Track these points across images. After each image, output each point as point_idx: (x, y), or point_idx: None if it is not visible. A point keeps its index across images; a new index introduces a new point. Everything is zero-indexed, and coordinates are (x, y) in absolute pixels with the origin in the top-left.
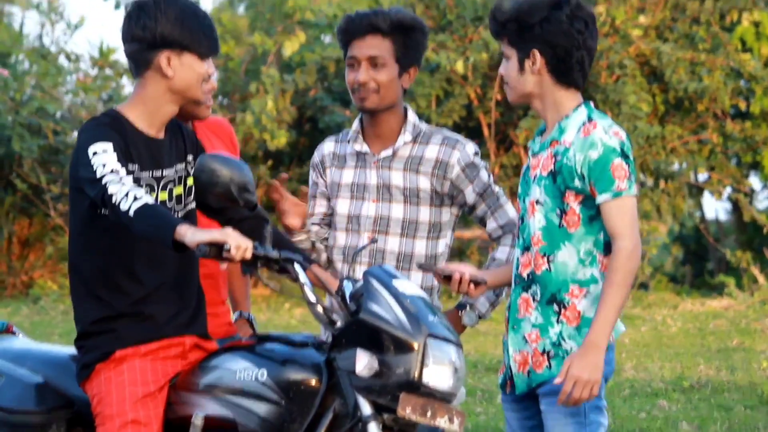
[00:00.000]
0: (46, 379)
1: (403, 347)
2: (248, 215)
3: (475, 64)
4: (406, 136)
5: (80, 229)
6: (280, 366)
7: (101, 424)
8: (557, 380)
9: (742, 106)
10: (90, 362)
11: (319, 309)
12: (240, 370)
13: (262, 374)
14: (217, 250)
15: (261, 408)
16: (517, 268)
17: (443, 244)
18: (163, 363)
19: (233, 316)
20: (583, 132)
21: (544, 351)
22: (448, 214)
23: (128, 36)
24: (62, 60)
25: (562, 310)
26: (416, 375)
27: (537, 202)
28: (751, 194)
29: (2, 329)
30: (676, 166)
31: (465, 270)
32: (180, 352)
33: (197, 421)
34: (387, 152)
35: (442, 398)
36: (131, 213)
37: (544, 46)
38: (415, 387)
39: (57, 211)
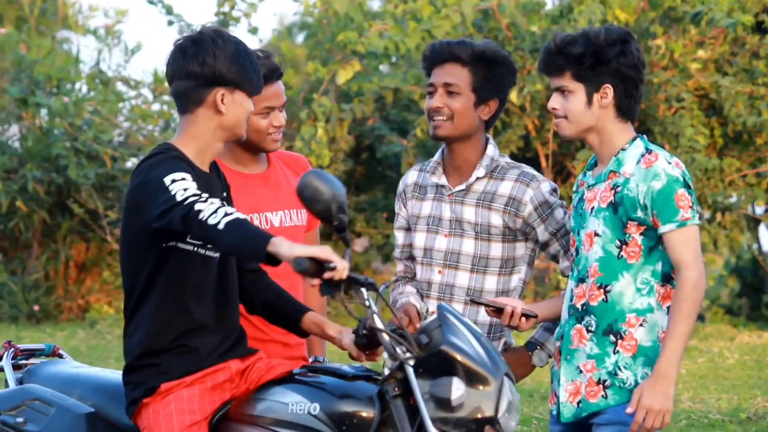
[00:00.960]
0: (96, 408)
1: (484, 382)
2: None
3: (532, 95)
4: (479, 171)
5: (136, 264)
6: (333, 399)
7: None
8: (629, 410)
9: None
10: (137, 397)
11: (386, 338)
12: (293, 403)
13: (315, 408)
14: (317, 266)
15: None
16: (571, 300)
17: (517, 279)
18: (210, 391)
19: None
20: (645, 163)
21: (599, 381)
22: (522, 249)
23: (182, 72)
24: (119, 86)
25: (619, 341)
26: (497, 412)
27: (595, 234)
28: None
29: (49, 352)
30: (733, 199)
31: (516, 304)
32: (228, 376)
33: None
34: (461, 186)
35: None
36: (221, 226)
37: (617, 81)
38: (495, 423)
39: (114, 236)
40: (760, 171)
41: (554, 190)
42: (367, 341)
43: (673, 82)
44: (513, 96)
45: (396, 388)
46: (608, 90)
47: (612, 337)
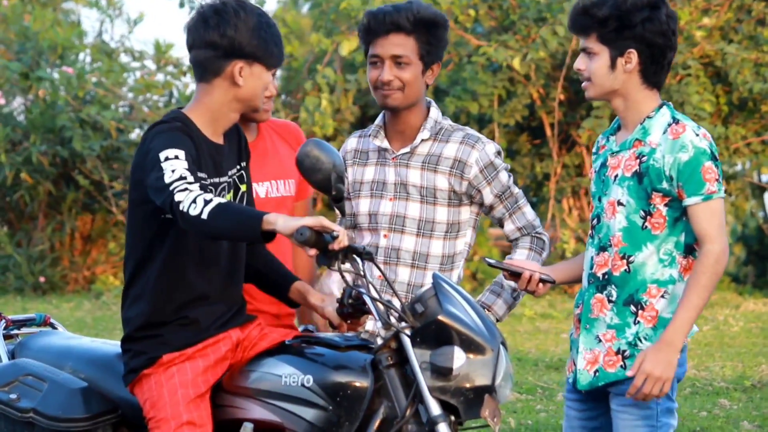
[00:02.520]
0: (90, 381)
1: (482, 351)
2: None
3: (537, 64)
4: (424, 134)
5: (138, 233)
6: (326, 370)
7: (156, 428)
8: (629, 372)
9: None
10: (138, 367)
11: (381, 307)
12: (286, 375)
13: (308, 380)
14: (317, 236)
15: (308, 413)
16: (591, 268)
17: (462, 243)
18: (212, 363)
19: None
20: (672, 133)
21: (618, 351)
22: (467, 213)
23: (201, 41)
24: (123, 57)
25: (640, 311)
26: (494, 380)
27: (619, 203)
28: None
29: (41, 322)
30: (739, 167)
31: (535, 268)
32: (230, 346)
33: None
34: (405, 149)
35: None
36: (204, 216)
37: (642, 46)
38: (493, 391)
39: (119, 208)
40: (766, 139)
41: (499, 153)
42: (353, 310)
43: (678, 49)
44: (517, 64)
45: (390, 358)
46: (632, 55)
47: (633, 308)
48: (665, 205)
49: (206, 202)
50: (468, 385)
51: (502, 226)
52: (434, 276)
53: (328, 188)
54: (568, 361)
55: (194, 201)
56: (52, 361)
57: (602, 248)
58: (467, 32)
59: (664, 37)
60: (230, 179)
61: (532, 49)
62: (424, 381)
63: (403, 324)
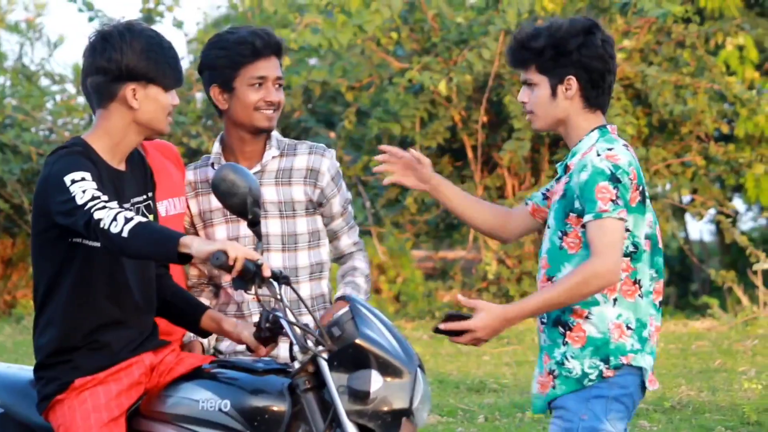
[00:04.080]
0: (5, 407)
1: (399, 375)
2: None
3: (459, 86)
4: (272, 151)
5: (44, 261)
6: (244, 394)
7: None
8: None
9: (726, 129)
10: (50, 393)
11: (298, 331)
12: (203, 400)
13: (226, 405)
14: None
15: None
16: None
17: (325, 252)
18: (126, 388)
19: (186, 337)
20: (581, 155)
21: (550, 371)
22: (320, 221)
23: (92, 68)
24: (43, 80)
25: (567, 332)
26: (412, 403)
27: (548, 226)
28: (735, 216)
29: None
30: (659, 189)
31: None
32: (143, 370)
33: None
34: (255, 169)
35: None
36: (125, 233)
37: (580, 72)
38: (410, 414)
39: None
40: (685, 160)
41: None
42: (270, 334)
43: None
44: (441, 86)
45: (307, 382)
46: (572, 81)
47: (561, 329)
48: (581, 225)
49: (127, 220)
50: (385, 409)
51: (337, 239)
52: (351, 299)
53: (244, 212)
54: None
55: (115, 219)
56: None
57: (539, 271)
58: (389, 54)
59: (600, 60)
60: (133, 207)
61: (457, 71)
62: (341, 405)
63: (320, 348)
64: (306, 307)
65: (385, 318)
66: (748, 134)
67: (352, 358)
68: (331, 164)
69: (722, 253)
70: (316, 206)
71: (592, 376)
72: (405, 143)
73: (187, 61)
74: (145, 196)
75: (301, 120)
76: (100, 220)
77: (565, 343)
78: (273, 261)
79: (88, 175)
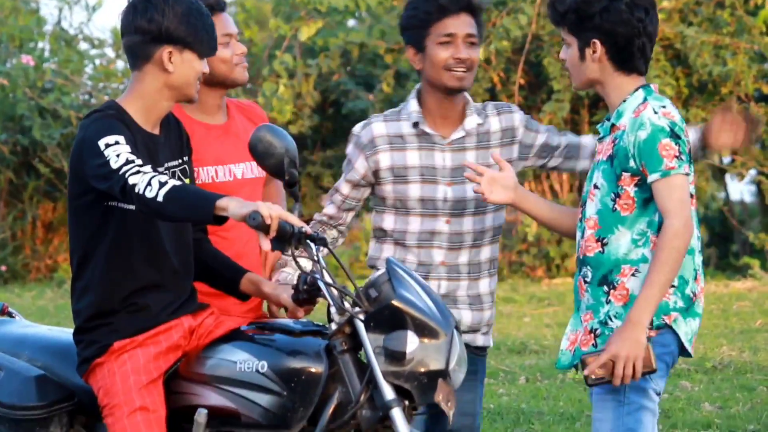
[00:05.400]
0: (46, 369)
1: (435, 336)
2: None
3: (497, 49)
4: (473, 117)
5: (81, 225)
6: (281, 356)
7: (110, 415)
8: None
9: (766, 89)
10: (90, 356)
11: (335, 292)
12: (240, 361)
13: (263, 366)
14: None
15: (263, 399)
16: (577, 251)
17: (503, 215)
18: (164, 349)
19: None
20: (635, 113)
21: (591, 330)
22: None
23: (131, 27)
24: (82, 45)
25: (611, 291)
26: (448, 365)
27: (595, 186)
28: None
29: None
30: None
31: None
32: (182, 333)
33: (200, 418)
34: (458, 134)
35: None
36: (160, 198)
37: (604, 36)
38: (447, 376)
39: None
40: None
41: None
42: (308, 296)
43: None
44: (480, 52)
45: (344, 343)
46: (596, 45)
47: (606, 287)
48: (635, 185)
49: (161, 185)
50: (422, 370)
51: (567, 157)
52: (388, 261)
53: (281, 173)
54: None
55: (149, 183)
56: (9, 350)
57: (583, 231)
58: None
59: (626, 25)
60: (168, 171)
61: (494, 36)
62: (377, 366)
63: (357, 309)
64: (344, 269)
65: (422, 279)
66: None
67: (389, 319)
68: (520, 116)
69: (763, 214)
70: (512, 165)
71: None
72: None
73: None
74: (180, 161)
75: (340, 82)
76: (135, 185)
77: (608, 302)
78: (466, 226)
79: (122, 139)
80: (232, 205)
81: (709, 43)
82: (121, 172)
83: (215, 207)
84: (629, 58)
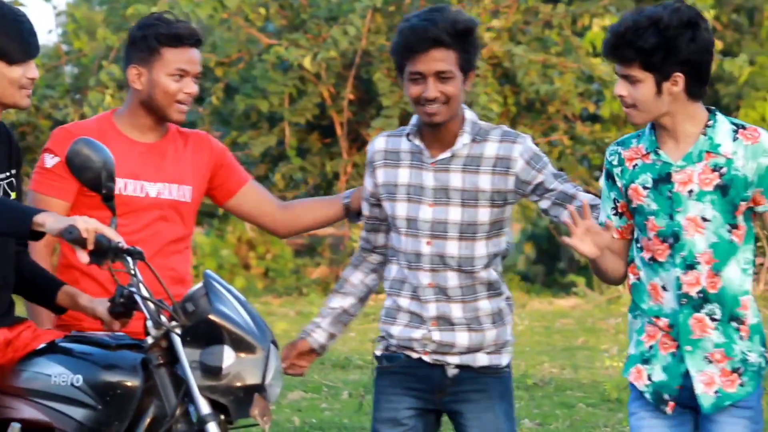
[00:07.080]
0: None
1: (252, 351)
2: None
3: (328, 64)
4: (464, 138)
5: None
6: (96, 369)
7: None
8: None
9: (592, 109)
10: None
11: (151, 306)
12: (55, 374)
13: (78, 379)
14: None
15: (78, 413)
16: (679, 288)
17: (504, 241)
18: None
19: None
20: (747, 138)
21: (733, 369)
22: (509, 210)
23: None
24: None
25: (740, 326)
26: (264, 379)
27: (703, 219)
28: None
29: None
30: None
31: None
32: None
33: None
34: (445, 155)
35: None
36: None
37: (688, 68)
38: (263, 390)
39: None
40: (552, 139)
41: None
42: (125, 309)
43: None
44: (307, 63)
45: (160, 357)
46: (679, 78)
47: (735, 324)
48: (742, 213)
49: None
50: (238, 384)
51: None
52: (206, 275)
53: (98, 187)
54: (633, 371)
55: None
56: None
57: (689, 266)
58: (258, 30)
59: (708, 53)
60: None
61: (323, 48)
62: (193, 380)
63: (174, 323)
64: (161, 283)
65: (240, 294)
66: (614, 114)
67: (205, 333)
68: (524, 149)
69: None
70: (506, 197)
71: (763, 364)
72: (273, 119)
73: (55, 34)
74: (7, 173)
75: None
76: None
77: (741, 338)
78: (449, 249)
79: None
80: (49, 221)
81: (537, 62)
82: None
83: (32, 222)
84: (703, 85)
